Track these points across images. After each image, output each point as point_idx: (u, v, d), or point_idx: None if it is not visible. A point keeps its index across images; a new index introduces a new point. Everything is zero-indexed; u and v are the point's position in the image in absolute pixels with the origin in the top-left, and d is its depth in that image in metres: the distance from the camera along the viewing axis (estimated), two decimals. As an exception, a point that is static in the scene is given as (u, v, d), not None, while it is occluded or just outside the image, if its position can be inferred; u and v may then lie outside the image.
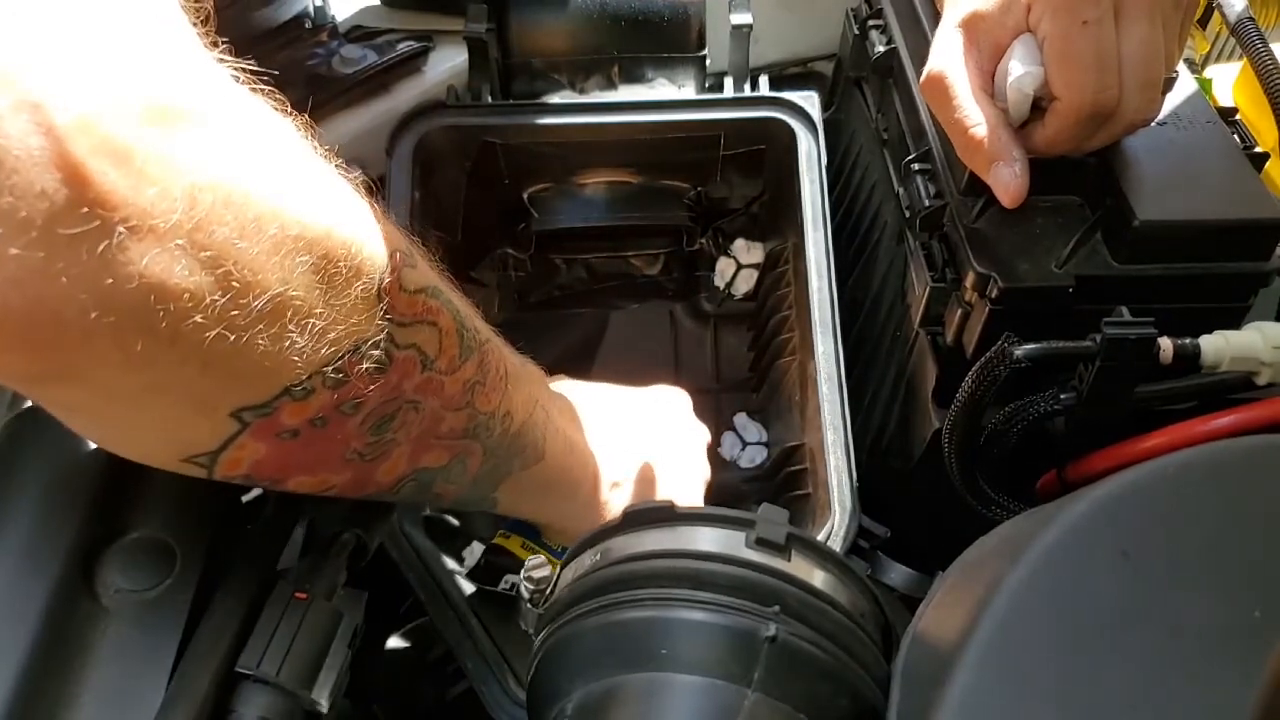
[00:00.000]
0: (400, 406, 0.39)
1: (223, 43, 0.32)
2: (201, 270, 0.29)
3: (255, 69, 0.33)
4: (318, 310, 0.33)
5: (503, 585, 0.59)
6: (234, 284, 0.30)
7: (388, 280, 0.36)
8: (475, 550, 0.66)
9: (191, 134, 0.29)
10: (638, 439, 0.61)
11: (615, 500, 0.58)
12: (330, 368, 0.35)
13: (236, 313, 0.30)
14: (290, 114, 0.35)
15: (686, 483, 0.63)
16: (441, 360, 0.40)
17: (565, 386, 0.61)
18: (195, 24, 0.31)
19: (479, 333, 0.44)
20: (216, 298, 0.30)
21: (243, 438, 0.34)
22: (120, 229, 0.27)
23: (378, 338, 0.36)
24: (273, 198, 0.31)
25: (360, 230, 0.35)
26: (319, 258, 0.33)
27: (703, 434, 0.66)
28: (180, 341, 0.30)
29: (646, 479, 0.60)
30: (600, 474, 0.58)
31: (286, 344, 0.32)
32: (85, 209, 0.26)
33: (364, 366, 0.36)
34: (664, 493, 0.60)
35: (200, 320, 0.30)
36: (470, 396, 0.43)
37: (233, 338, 0.31)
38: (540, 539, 0.62)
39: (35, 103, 0.25)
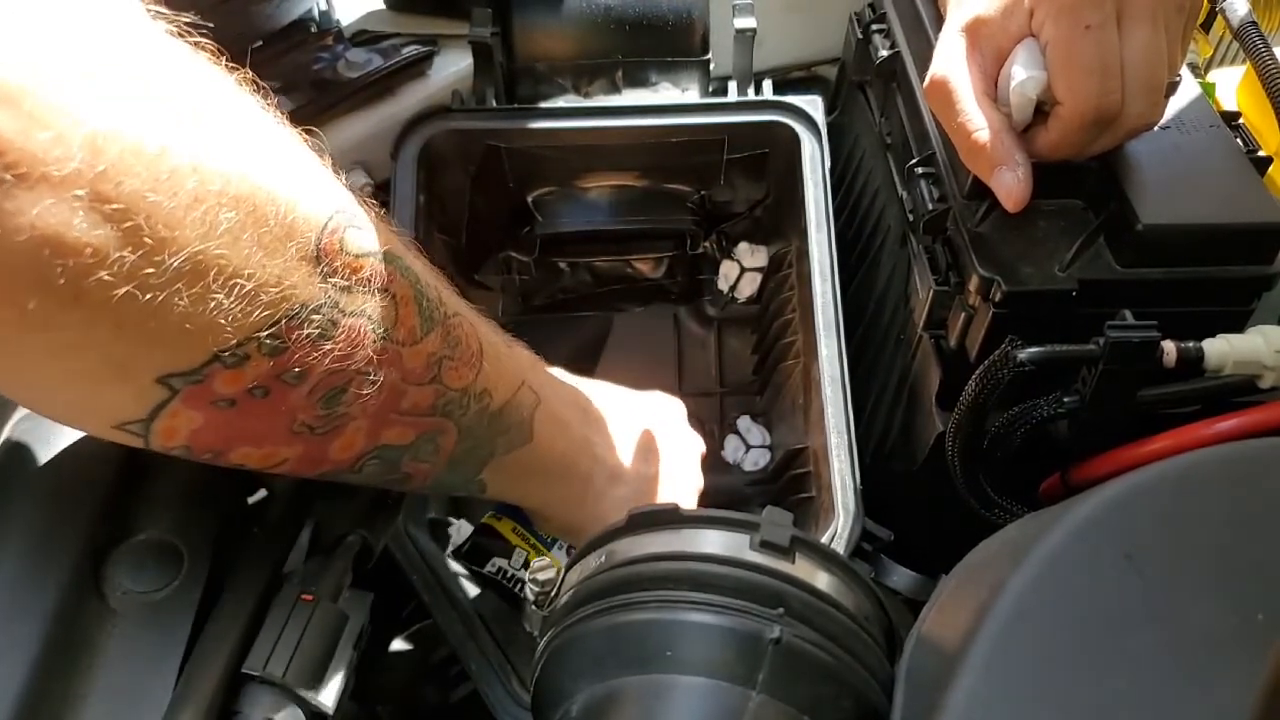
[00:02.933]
0: (351, 378, 0.37)
1: (225, 45, 0.32)
2: (106, 224, 0.27)
3: (213, 41, 0.32)
4: (246, 271, 0.31)
5: (489, 568, 0.58)
6: (146, 240, 0.28)
7: (326, 241, 0.34)
8: (463, 530, 0.65)
9: (97, 80, 0.27)
10: (638, 437, 0.61)
11: (613, 493, 0.57)
12: (265, 333, 0.32)
13: (150, 270, 0.28)
14: (276, 109, 0.34)
15: (681, 490, 0.62)
16: (399, 330, 0.38)
17: (563, 379, 0.60)
18: None
19: (444, 305, 0.42)
20: (125, 254, 0.28)
21: (174, 405, 0.32)
22: (6, 175, 0.25)
23: (319, 302, 0.34)
24: (192, 149, 0.29)
25: (293, 186, 0.33)
26: (245, 214, 0.31)
27: (697, 443, 0.66)
28: (84, 300, 0.28)
29: (646, 475, 0.59)
30: (597, 462, 0.56)
31: (211, 306, 0.30)
32: None
33: (305, 333, 0.34)
34: (662, 494, 0.60)
35: (106, 278, 0.28)
36: (436, 371, 0.41)
37: (147, 298, 0.29)
38: (531, 525, 0.61)
39: None
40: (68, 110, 0.26)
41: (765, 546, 0.41)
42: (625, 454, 0.59)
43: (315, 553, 0.45)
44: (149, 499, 0.41)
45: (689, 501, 0.63)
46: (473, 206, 0.79)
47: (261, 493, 0.46)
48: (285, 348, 0.33)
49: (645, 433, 0.61)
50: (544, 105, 0.77)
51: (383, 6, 0.85)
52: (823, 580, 0.41)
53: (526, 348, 0.52)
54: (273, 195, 0.32)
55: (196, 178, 0.29)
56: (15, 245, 0.26)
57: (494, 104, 0.76)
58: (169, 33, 0.31)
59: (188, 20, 0.31)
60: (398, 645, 0.63)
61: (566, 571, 0.46)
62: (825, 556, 0.42)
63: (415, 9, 0.84)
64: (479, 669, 0.55)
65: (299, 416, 0.36)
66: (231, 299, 0.31)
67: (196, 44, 0.32)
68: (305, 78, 0.75)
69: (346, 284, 0.35)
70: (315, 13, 0.76)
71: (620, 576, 0.42)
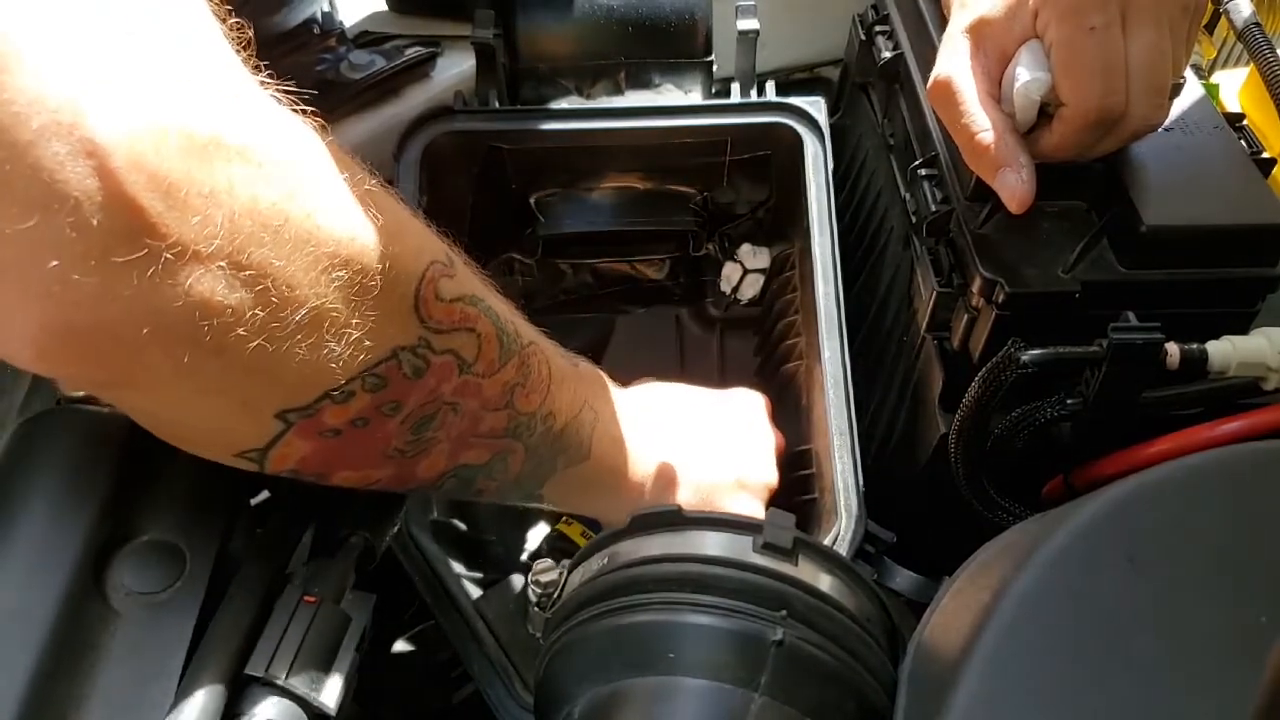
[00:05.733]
0: (439, 408, 0.41)
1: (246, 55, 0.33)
2: (242, 288, 0.32)
3: (283, 83, 0.35)
4: (354, 321, 0.35)
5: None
6: (273, 299, 0.32)
7: (423, 291, 0.38)
8: (540, 532, 0.68)
9: (231, 164, 0.31)
10: (702, 441, 0.62)
11: (669, 497, 0.58)
12: (369, 373, 0.37)
13: (276, 325, 0.33)
14: (312, 119, 0.36)
15: (746, 487, 0.62)
16: (480, 364, 0.43)
17: (642, 387, 0.62)
18: (238, 50, 0.33)
19: (520, 336, 0.46)
20: (257, 312, 0.32)
21: (288, 436, 0.37)
22: (167, 255, 0.30)
23: (414, 344, 0.38)
24: (309, 218, 0.33)
25: (395, 245, 0.37)
26: (354, 273, 0.35)
27: (773, 439, 0.66)
28: (225, 352, 0.32)
29: (708, 477, 0.60)
30: (653, 473, 0.58)
31: (325, 352, 0.35)
32: (136, 240, 0.29)
33: (403, 371, 0.38)
34: (728, 493, 0.60)
35: (242, 333, 0.32)
36: (510, 397, 0.45)
37: (273, 348, 0.33)
38: (599, 529, 0.64)
39: (91, 149, 0.28)
40: (212, 196, 0.31)
41: (768, 548, 0.41)
42: (686, 459, 0.60)
43: (318, 554, 0.45)
44: (152, 500, 0.41)
45: (757, 499, 0.62)
46: (475, 208, 0.79)
47: (264, 494, 0.46)
48: (386, 384, 0.38)
49: (714, 436, 0.63)
50: (547, 107, 0.77)
51: (385, 8, 0.85)
52: (825, 582, 0.41)
53: (592, 365, 0.56)
54: (377, 253, 0.36)
55: (313, 243, 0.33)
56: (175, 310, 0.31)
57: (497, 105, 0.75)
58: (277, 100, 0.34)
59: (287, 88, 0.35)
60: (400, 647, 0.63)
61: (569, 573, 0.46)
62: (828, 558, 0.42)
63: (418, 10, 0.84)
64: (481, 670, 0.55)
65: (392, 443, 0.41)
66: (341, 345, 0.35)
67: (298, 107, 0.35)
68: (308, 79, 0.74)
69: (439, 327, 0.39)
70: (319, 14, 0.77)
71: (623, 578, 0.42)
